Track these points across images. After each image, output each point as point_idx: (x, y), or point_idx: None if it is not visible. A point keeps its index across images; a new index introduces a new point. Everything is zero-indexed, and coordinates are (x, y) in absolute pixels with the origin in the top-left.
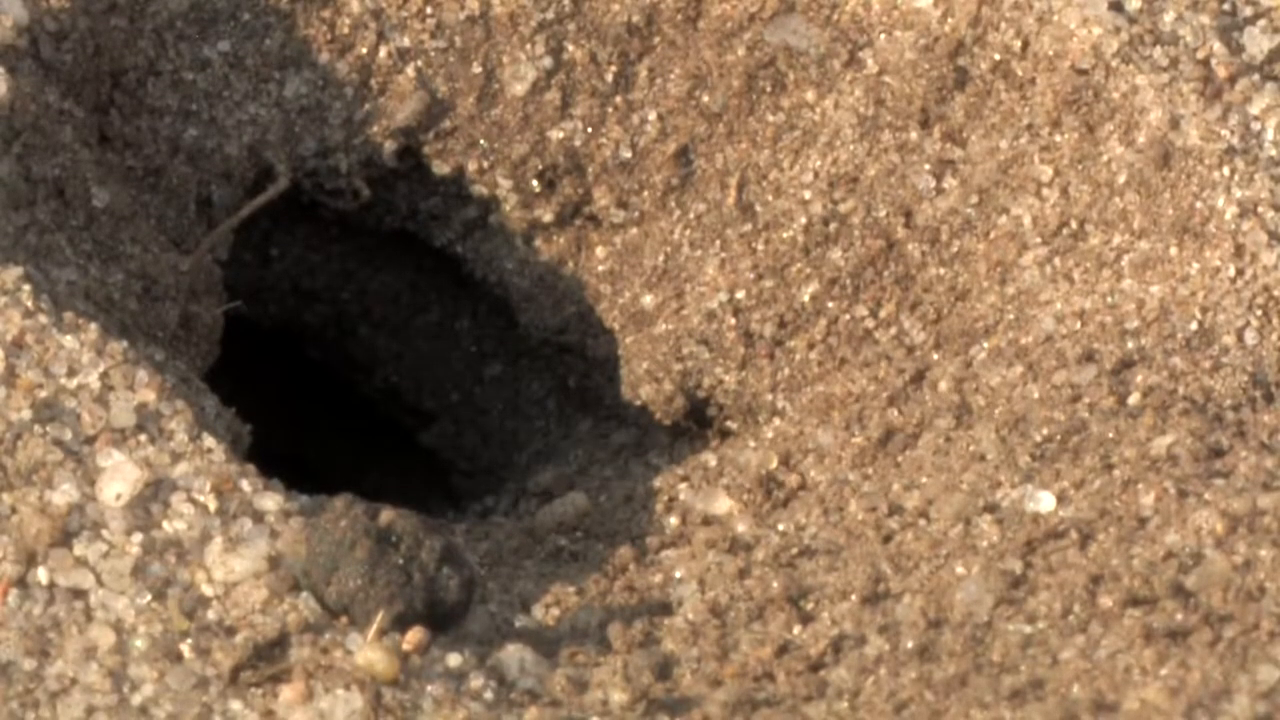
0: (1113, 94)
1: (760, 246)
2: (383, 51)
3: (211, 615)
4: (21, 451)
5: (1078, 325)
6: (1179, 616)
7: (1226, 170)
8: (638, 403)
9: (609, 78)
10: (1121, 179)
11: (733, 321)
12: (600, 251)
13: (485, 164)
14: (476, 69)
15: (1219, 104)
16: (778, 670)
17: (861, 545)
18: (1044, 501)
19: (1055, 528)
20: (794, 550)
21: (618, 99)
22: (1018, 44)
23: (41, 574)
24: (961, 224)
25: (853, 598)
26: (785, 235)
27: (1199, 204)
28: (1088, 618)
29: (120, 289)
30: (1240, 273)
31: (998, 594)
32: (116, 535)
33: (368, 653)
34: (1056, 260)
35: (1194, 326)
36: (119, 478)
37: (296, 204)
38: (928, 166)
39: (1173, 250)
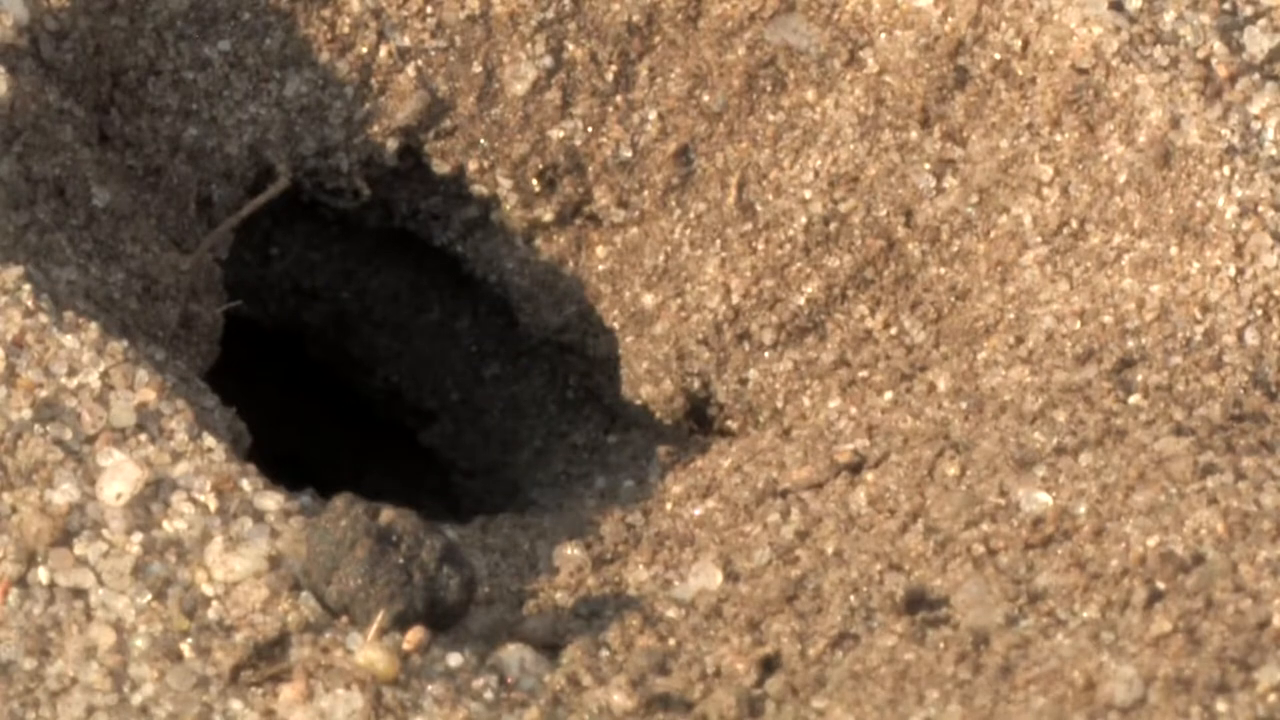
0: (1113, 93)
1: (760, 246)
2: (383, 51)
3: (212, 615)
4: (22, 451)
5: (1078, 325)
6: (1179, 615)
7: (1227, 170)
8: (638, 402)
9: (609, 77)
10: (1122, 178)
11: (733, 321)
12: (600, 251)
13: (485, 163)
14: (477, 68)
15: (1219, 103)
16: (778, 670)
17: (862, 544)
18: (1044, 501)
19: (1055, 528)
20: (794, 550)
21: (618, 98)
22: (1018, 43)
23: (42, 573)
24: (962, 223)
25: (853, 598)
26: (785, 235)
27: (1199, 203)
28: (1088, 617)
29: (120, 288)
30: (1240, 272)
31: (998, 594)
32: (117, 535)
33: (368, 652)
34: (1057, 260)
35: (1194, 326)
36: (119, 477)
37: (297, 203)
38: (928, 166)
39: (1173, 250)
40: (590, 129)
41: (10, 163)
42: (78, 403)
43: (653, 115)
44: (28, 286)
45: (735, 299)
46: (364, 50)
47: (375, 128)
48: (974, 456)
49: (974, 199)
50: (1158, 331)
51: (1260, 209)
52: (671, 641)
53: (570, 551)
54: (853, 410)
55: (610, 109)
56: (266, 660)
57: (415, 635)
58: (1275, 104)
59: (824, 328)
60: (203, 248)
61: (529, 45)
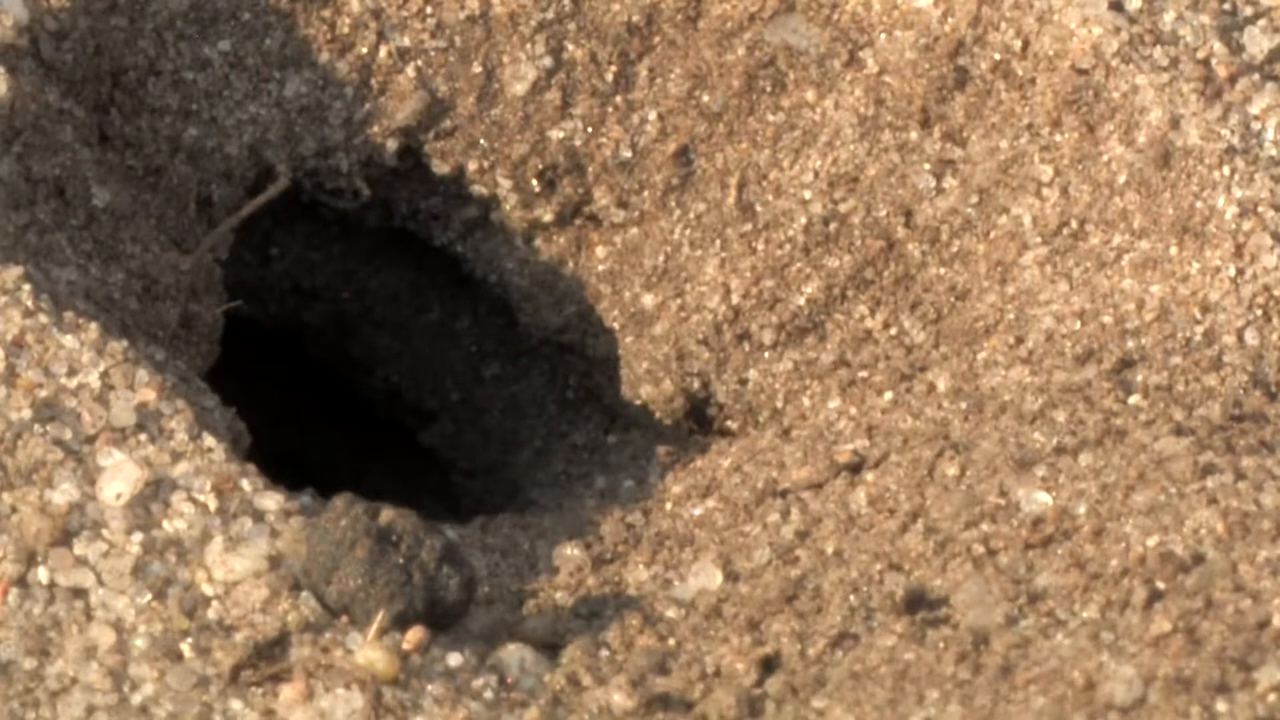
0: (1113, 94)
1: (760, 246)
2: (383, 51)
3: (212, 614)
4: (21, 451)
5: (1078, 325)
6: (1179, 615)
7: (1227, 170)
8: (638, 402)
9: (609, 77)
10: (1122, 179)
11: (733, 321)
12: (600, 251)
13: (485, 164)
14: (476, 69)
15: (1219, 104)
16: (778, 670)
17: (862, 544)
18: (1044, 501)
19: (1055, 528)
20: (795, 549)
21: (618, 99)
22: (1018, 44)
23: (42, 573)
24: (962, 224)
25: (852, 598)
26: (785, 235)
27: (1199, 204)
28: (1088, 617)
29: (120, 288)
30: (1240, 273)
31: (998, 594)
32: (117, 535)
33: (368, 652)
34: (1057, 260)
35: (1194, 326)
36: (119, 477)
37: (297, 203)
38: (928, 166)
39: (1173, 250)
40: (590, 129)
41: (10, 163)
42: (78, 403)
43: (653, 115)
44: (28, 286)
45: (735, 299)
46: (364, 50)
47: (375, 128)
48: (974, 456)
49: (974, 199)
50: (1158, 331)
51: (1260, 209)
52: (671, 641)
53: (570, 551)
54: (853, 410)
55: (610, 109)
56: (266, 660)
57: (415, 635)
58: (1275, 104)
59: (824, 328)
60: (203, 248)
61: (529, 45)
